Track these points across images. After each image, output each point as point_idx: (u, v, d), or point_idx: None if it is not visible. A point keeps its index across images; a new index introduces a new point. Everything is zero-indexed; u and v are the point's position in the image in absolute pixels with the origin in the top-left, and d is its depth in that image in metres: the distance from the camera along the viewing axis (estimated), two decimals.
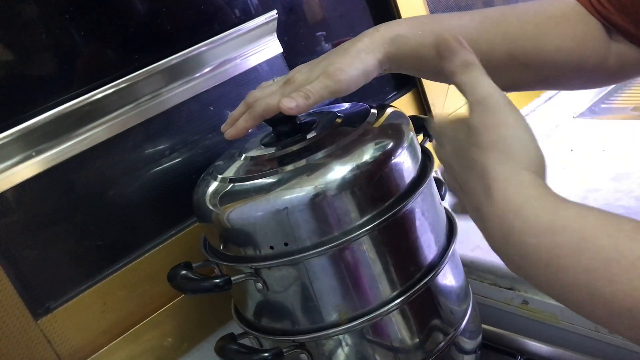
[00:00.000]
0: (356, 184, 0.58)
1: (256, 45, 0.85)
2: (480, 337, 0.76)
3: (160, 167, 0.82)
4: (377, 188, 0.59)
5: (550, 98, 1.26)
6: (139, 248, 0.79)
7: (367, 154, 0.59)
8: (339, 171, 0.58)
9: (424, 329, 0.65)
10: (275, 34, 0.87)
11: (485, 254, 0.91)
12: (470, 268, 0.90)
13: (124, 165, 0.78)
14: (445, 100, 1.09)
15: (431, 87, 1.06)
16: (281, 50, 0.88)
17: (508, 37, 0.62)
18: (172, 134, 0.82)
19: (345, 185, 0.57)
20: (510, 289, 0.86)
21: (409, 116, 0.69)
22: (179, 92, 0.79)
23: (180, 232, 0.81)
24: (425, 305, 0.65)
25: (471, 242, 0.95)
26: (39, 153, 0.69)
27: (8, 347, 0.68)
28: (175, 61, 0.77)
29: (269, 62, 0.87)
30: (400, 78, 1.06)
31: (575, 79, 0.67)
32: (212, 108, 0.83)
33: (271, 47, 0.87)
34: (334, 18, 1.00)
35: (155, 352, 0.78)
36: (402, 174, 0.62)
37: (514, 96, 1.17)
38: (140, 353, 0.76)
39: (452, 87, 1.10)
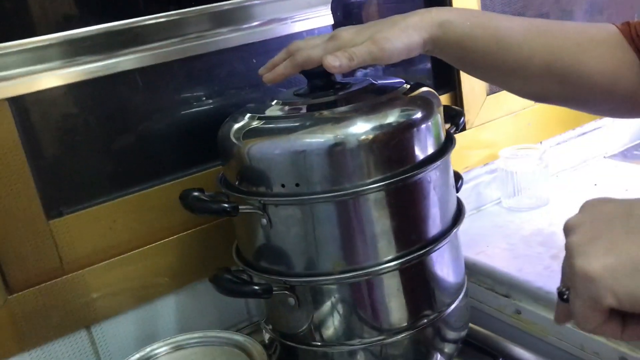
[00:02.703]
0: (375, 142, 0.60)
1: (309, 11, 0.87)
2: (465, 332, 0.77)
3: (193, 110, 0.84)
4: (394, 150, 0.61)
5: (584, 133, 1.26)
6: (156, 178, 0.81)
7: (393, 116, 0.61)
8: (362, 126, 0.60)
9: (411, 300, 0.66)
10: (329, 6, 0.89)
11: (488, 258, 0.92)
12: (472, 270, 0.91)
13: (159, 98, 0.81)
14: (480, 111, 1.10)
15: (469, 94, 1.08)
16: (332, 22, 0.90)
17: (549, 48, 0.64)
18: (211, 80, 0.84)
19: (365, 140, 0.59)
20: (506, 296, 0.87)
21: (443, 105, 0.71)
22: (224, 39, 0.81)
23: (198, 172, 0.83)
24: (418, 277, 0.66)
25: (477, 247, 0.96)
26: (82, 63, 0.72)
27: (16, 237, 0.71)
28: (226, 7, 0.80)
29: (318, 31, 0.90)
30: (440, 78, 1.08)
31: (604, 104, 0.69)
32: (254, 61, 0.86)
33: (322, 18, 0.89)
34: (389, 9, 1.02)
35: (150, 278, 0.80)
36: (422, 144, 0.63)
37: (549, 125, 1.18)
38: (137, 276, 0.79)
39: (489, 98, 1.11)
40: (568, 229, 0.45)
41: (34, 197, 0.71)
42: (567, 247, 0.43)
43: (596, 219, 0.43)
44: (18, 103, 0.70)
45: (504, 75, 0.67)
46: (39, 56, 0.69)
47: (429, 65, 1.08)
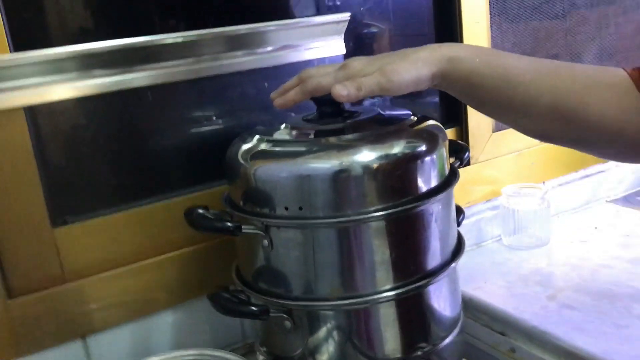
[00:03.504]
0: (380, 171, 0.61)
1: (322, 40, 0.89)
2: None
3: (202, 129, 0.86)
4: (398, 181, 0.62)
5: (587, 176, 1.27)
6: (161, 194, 0.82)
7: (398, 147, 0.62)
8: (367, 155, 0.61)
9: (406, 331, 0.66)
10: (342, 36, 0.91)
11: (485, 295, 0.92)
12: (468, 305, 0.91)
13: (170, 116, 0.82)
14: (485, 147, 1.11)
15: (474, 131, 1.09)
16: (344, 52, 0.92)
17: (556, 90, 0.65)
18: (222, 101, 0.86)
19: (370, 169, 0.60)
20: (501, 333, 0.87)
21: (449, 139, 0.72)
22: (237, 62, 0.83)
23: (204, 191, 0.84)
24: (414, 309, 0.66)
25: (475, 283, 0.96)
26: (98, 76, 0.73)
27: (20, 242, 0.71)
28: (242, 31, 0.82)
29: (329, 60, 0.91)
30: (446, 113, 1.09)
31: (610, 147, 0.69)
32: (266, 84, 0.87)
33: (335, 47, 0.91)
34: (400, 42, 1.04)
35: (149, 293, 0.80)
36: (426, 176, 0.64)
37: (553, 165, 1.19)
38: (136, 289, 0.79)
39: (494, 135, 1.12)
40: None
41: (40, 204, 0.72)
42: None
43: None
44: (33, 112, 0.71)
45: (510, 113, 0.69)
46: (56, 67, 0.70)
47: (436, 99, 1.09)
